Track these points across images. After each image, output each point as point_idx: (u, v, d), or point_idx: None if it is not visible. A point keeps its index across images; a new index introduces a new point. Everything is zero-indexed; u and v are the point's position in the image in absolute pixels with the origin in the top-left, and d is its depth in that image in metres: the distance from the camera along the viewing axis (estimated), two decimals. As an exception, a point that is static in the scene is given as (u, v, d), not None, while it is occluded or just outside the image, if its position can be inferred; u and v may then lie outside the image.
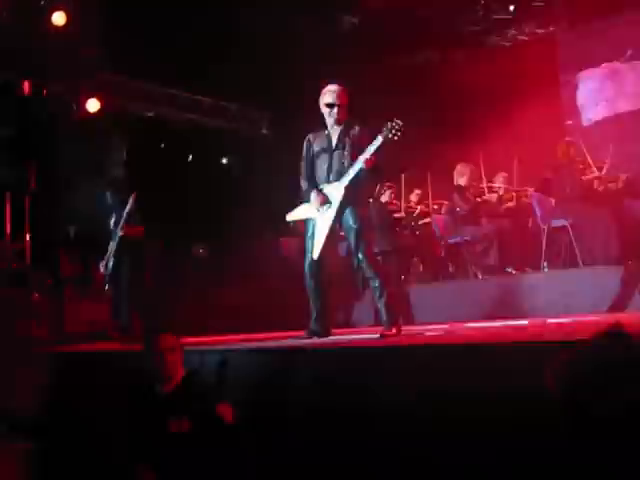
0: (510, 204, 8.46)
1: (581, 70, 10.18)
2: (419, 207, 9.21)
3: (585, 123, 10.12)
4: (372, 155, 5.08)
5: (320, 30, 9.68)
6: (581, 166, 7.64)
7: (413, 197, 9.30)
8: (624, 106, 9.73)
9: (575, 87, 10.19)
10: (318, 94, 5.48)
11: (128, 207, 7.23)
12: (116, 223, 7.42)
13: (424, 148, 9.37)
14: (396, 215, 8.82)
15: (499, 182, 8.64)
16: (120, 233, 7.31)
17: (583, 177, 7.54)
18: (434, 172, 9.12)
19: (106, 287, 7.53)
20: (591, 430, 2.47)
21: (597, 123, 9.97)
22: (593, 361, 2.56)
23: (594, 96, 10.02)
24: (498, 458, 3.23)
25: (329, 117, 5.42)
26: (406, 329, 5.44)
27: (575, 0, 9.56)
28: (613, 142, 8.14)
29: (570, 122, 8.34)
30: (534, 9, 9.92)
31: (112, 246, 7.42)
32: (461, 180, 8.30)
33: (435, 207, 9.06)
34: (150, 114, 11.20)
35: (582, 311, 6.16)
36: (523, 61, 9.69)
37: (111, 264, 7.41)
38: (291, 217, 5.74)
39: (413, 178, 9.49)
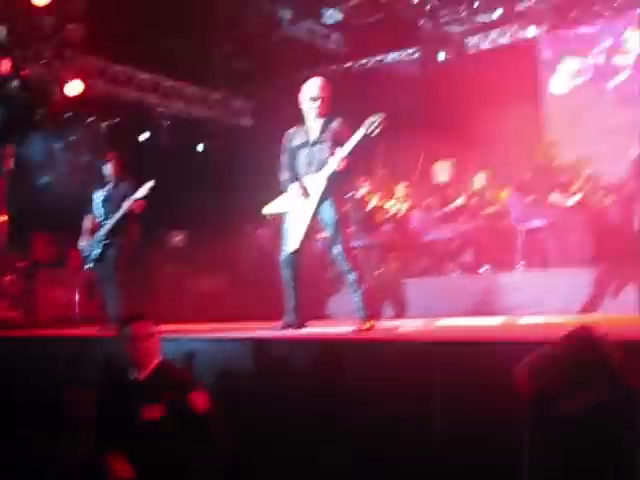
0: (490, 204, 8.50)
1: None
2: (393, 202, 9.17)
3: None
4: (346, 156, 5.11)
5: (304, 26, 9.67)
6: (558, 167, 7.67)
7: (399, 191, 9.26)
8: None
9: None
10: (301, 87, 5.50)
11: (144, 193, 6.80)
12: (107, 207, 7.05)
13: (405, 146, 9.39)
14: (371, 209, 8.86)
15: (480, 181, 8.66)
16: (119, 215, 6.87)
17: (561, 179, 7.60)
18: (415, 168, 9.14)
19: (87, 266, 7.15)
20: (556, 427, 2.52)
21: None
22: (562, 361, 2.61)
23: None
24: (466, 452, 3.28)
25: (311, 110, 5.42)
26: (380, 324, 5.48)
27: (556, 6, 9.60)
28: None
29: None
30: (517, 13, 9.96)
31: (103, 228, 6.98)
32: (441, 177, 8.35)
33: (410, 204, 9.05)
34: (132, 99, 11.12)
35: (555, 311, 6.23)
36: (505, 63, 9.73)
37: (100, 247, 7.00)
38: (269, 210, 5.75)
39: (396, 173, 9.51)
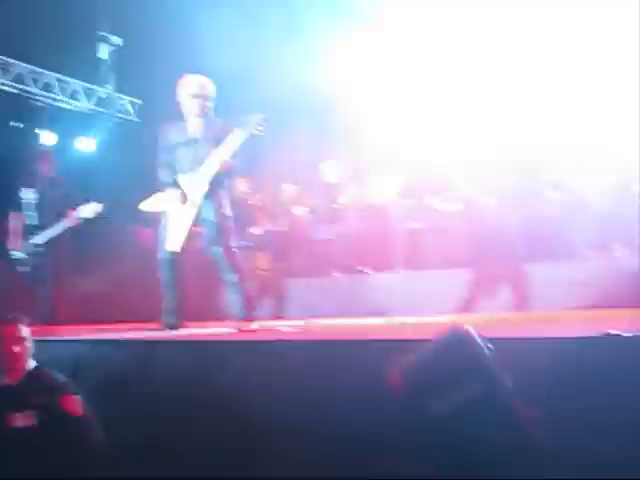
0: (372, 205, 8.60)
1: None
2: (278, 201, 9.15)
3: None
4: (230, 158, 5.08)
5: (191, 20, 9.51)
6: None
7: (288, 191, 9.22)
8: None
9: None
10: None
11: (90, 214, 6.73)
12: (41, 211, 6.86)
13: (289, 145, 9.39)
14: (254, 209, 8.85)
15: (365, 182, 8.62)
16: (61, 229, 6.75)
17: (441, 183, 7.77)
18: (303, 169, 9.15)
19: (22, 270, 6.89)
20: (429, 425, 2.60)
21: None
22: (434, 359, 2.70)
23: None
24: (345, 452, 3.32)
25: (192, 108, 5.32)
26: (262, 324, 5.49)
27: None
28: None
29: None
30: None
31: (55, 228, 6.77)
32: (328, 177, 8.40)
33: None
34: (12, 90, 10.63)
35: (432, 312, 6.41)
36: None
37: (32, 254, 6.81)
38: (146, 206, 5.60)
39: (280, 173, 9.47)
